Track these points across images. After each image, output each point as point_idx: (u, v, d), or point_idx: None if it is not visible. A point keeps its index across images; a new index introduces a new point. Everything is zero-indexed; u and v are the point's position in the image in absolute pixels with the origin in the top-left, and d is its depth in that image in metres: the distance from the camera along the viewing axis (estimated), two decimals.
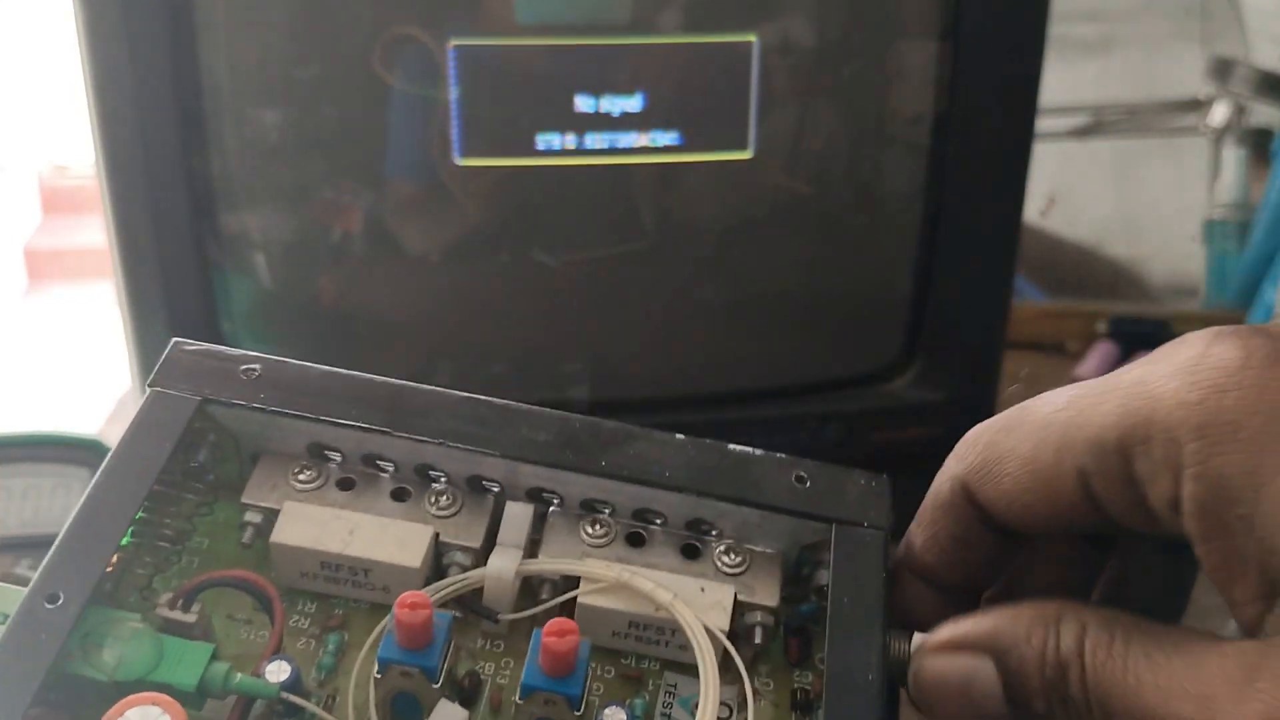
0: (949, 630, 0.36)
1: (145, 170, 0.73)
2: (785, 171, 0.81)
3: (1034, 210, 1.19)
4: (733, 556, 0.39)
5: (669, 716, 0.38)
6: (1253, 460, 0.30)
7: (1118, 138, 1.18)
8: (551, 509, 0.40)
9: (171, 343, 0.39)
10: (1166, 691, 0.32)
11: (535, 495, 0.40)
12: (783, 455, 0.39)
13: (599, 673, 0.38)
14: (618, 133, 0.77)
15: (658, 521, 0.40)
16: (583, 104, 0.77)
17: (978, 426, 0.37)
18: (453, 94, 0.76)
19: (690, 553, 0.40)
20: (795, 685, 0.39)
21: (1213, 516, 0.31)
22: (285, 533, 0.38)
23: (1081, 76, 1.05)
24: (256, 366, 0.39)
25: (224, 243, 0.78)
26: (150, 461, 0.37)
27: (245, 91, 0.77)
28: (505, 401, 0.39)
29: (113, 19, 0.70)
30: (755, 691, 0.38)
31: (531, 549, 0.39)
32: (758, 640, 0.38)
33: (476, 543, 0.39)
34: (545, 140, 0.78)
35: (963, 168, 0.79)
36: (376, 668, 0.35)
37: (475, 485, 0.40)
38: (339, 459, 0.40)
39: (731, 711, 0.38)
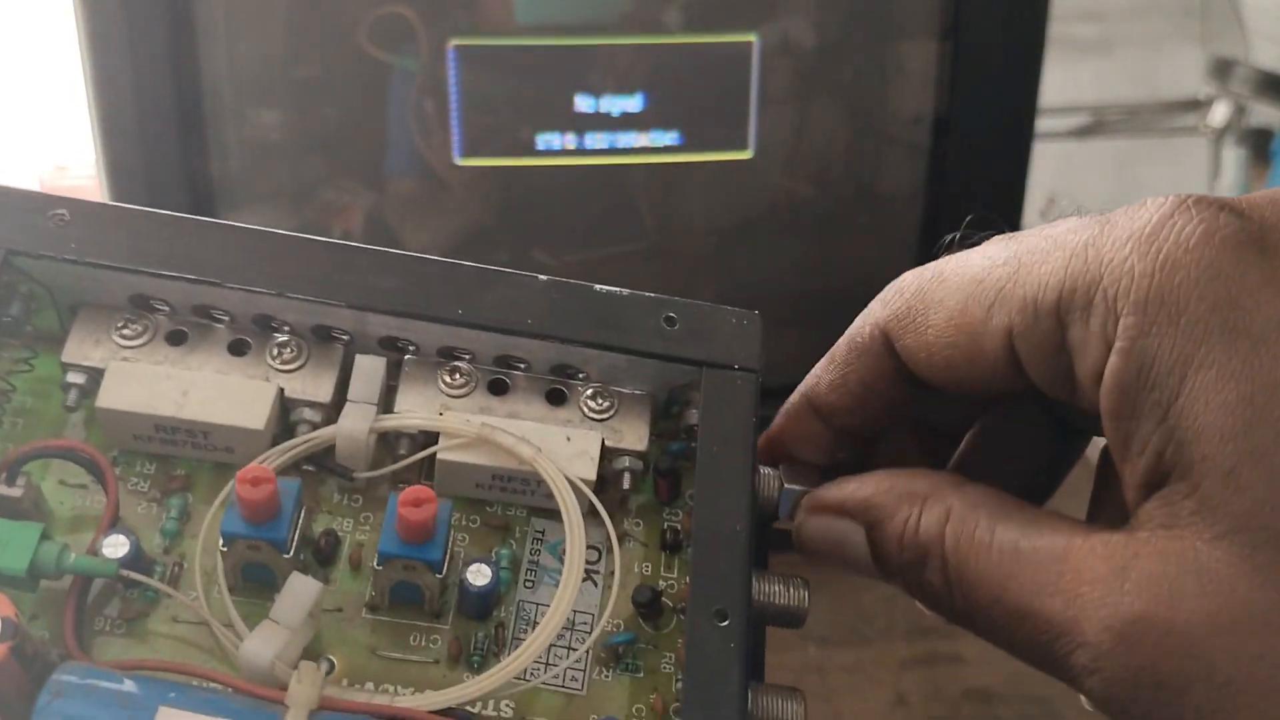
0: (830, 492, 0.36)
1: (145, 170, 0.73)
2: (785, 171, 0.81)
3: (1034, 210, 1.19)
4: (600, 401, 0.37)
5: (537, 564, 0.36)
6: (1186, 348, 0.28)
7: (1118, 138, 1.18)
8: (407, 357, 0.37)
9: None
10: (1033, 586, 0.30)
11: (388, 344, 0.37)
12: (652, 294, 0.37)
13: (463, 523, 0.36)
14: (618, 133, 0.77)
15: (521, 367, 0.37)
16: (583, 104, 0.77)
17: (909, 272, 0.35)
18: (453, 94, 0.76)
19: (556, 398, 0.37)
20: (665, 524, 0.37)
21: (1129, 395, 0.29)
22: (111, 396, 0.35)
23: (1081, 76, 1.05)
24: (65, 211, 0.35)
25: None
26: None
27: (245, 91, 0.77)
28: (349, 244, 0.37)
29: (113, 19, 0.70)
30: (623, 535, 0.36)
31: (387, 399, 0.37)
32: (626, 485, 0.37)
33: (326, 397, 0.36)
34: (545, 140, 0.78)
35: (963, 168, 0.79)
36: (222, 540, 0.33)
37: (322, 335, 0.37)
38: (167, 310, 0.37)
39: (600, 555, 0.36)
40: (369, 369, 0.36)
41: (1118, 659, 0.29)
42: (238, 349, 0.37)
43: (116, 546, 0.33)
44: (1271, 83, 1.06)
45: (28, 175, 0.96)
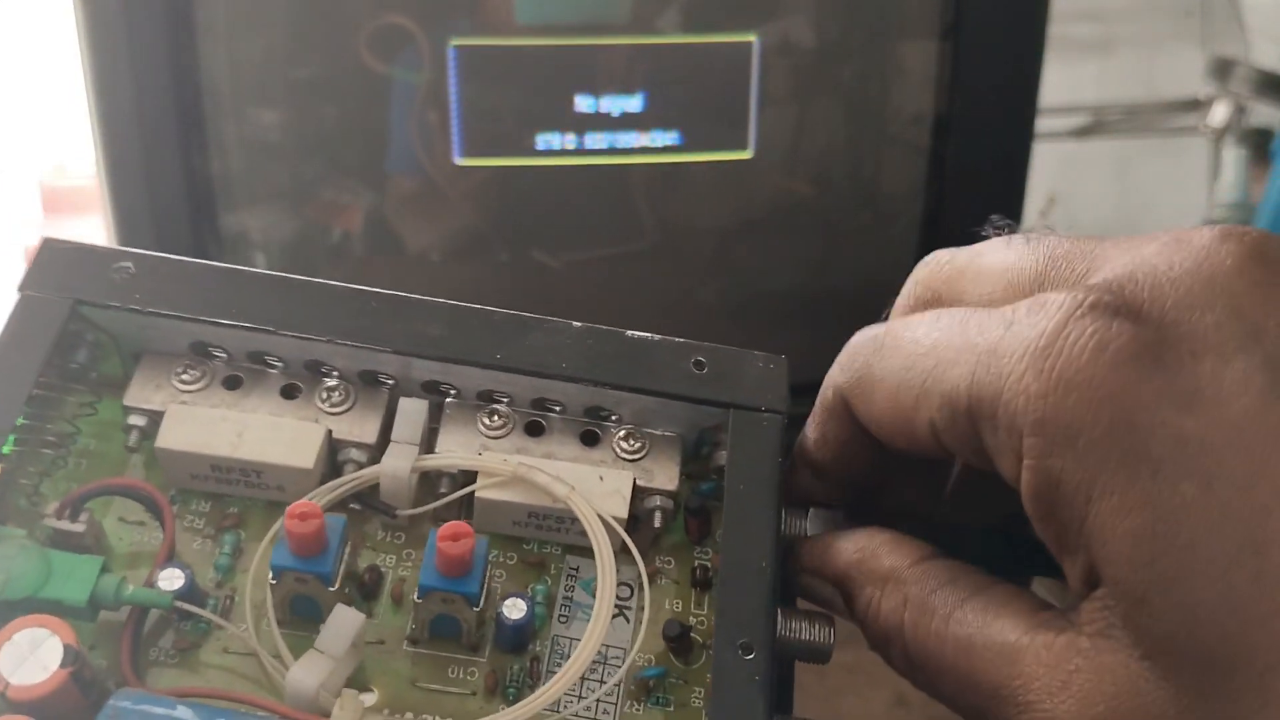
0: (812, 555, 0.37)
1: (145, 170, 0.73)
2: (785, 171, 0.81)
3: (1034, 210, 1.19)
4: (632, 442, 0.39)
5: (571, 599, 0.37)
6: (1086, 472, 0.28)
7: (1118, 138, 1.18)
8: (448, 400, 0.39)
9: (41, 240, 0.38)
10: (987, 687, 0.31)
11: (431, 388, 0.39)
12: (681, 340, 0.39)
13: (500, 559, 0.38)
14: (618, 133, 0.78)
15: (556, 410, 0.39)
16: (583, 104, 0.77)
17: (862, 334, 0.36)
18: (453, 94, 0.76)
19: (589, 439, 0.39)
20: (696, 563, 0.38)
21: (1045, 508, 0.30)
22: (170, 437, 0.37)
23: (1081, 76, 1.05)
24: (130, 265, 0.37)
25: (224, 243, 0.78)
26: (25, 366, 0.36)
27: (245, 91, 0.77)
28: (395, 293, 0.38)
29: (113, 19, 0.70)
30: (655, 572, 0.38)
31: (429, 440, 0.38)
32: (657, 524, 0.38)
33: (371, 439, 0.38)
34: (545, 140, 0.78)
35: (963, 168, 0.79)
36: (271, 574, 0.35)
37: (368, 379, 0.39)
38: (224, 357, 0.39)
39: (632, 592, 0.37)
40: (412, 411, 0.38)
41: None
42: (289, 393, 0.39)
43: (172, 580, 0.34)
44: (1271, 83, 1.06)
45: (28, 175, 0.96)
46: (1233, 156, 1.18)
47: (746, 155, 0.79)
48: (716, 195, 0.81)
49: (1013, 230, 0.36)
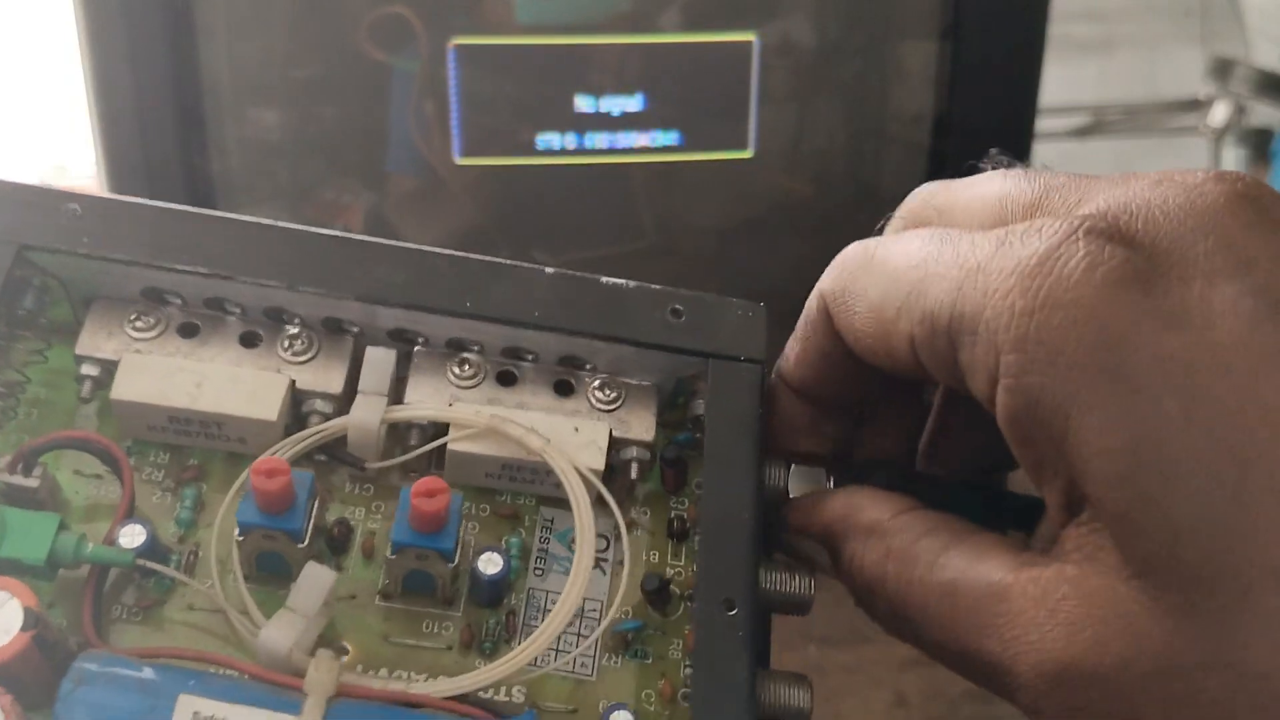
0: (797, 512, 0.37)
1: (145, 170, 0.73)
2: (785, 171, 0.81)
3: None
4: (607, 392, 0.38)
5: (546, 551, 0.37)
6: (1067, 390, 0.28)
7: (1118, 138, 1.18)
8: (416, 348, 0.38)
9: None
10: (972, 627, 0.31)
11: (398, 336, 0.37)
12: (658, 287, 0.38)
13: (473, 511, 0.37)
14: (618, 132, 0.77)
15: (529, 358, 0.38)
16: (583, 104, 0.77)
17: (852, 247, 0.36)
18: (452, 93, 0.76)
19: (564, 389, 0.38)
20: (672, 513, 0.38)
21: (1022, 429, 0.30)
22: (126, 388, 0.35)
23: (1081, 76, 1.05)
24: (77, 206, 0.36)
25: None
26: None
27: (245, 91, 0.77)
28: (359, 237, 0.37)
29: (113, 19, 0.70)
30: (631, 523, 0.37)
31: (397, 389, 0.37)
32: (633, 475, 0.37)
33: (337, 388, 0.37)
34: (545, 140, 0.78)
35: (963, 168, 0.79)
36: (237, 530, 0.34)
37: (332, 326, 0.37)
38: (179, 303, 0.37)
39: (609, 543, 0.37)
40: (379, 361, 0.37)
41: (1053, 702, 0.30)
42: (249, 341, 0.37)
43: (133, 536, 0.33)
44: (1271, 83, 1.06)
45: (28, 175, 0.96)
46: (1233, 156, 1.18)
47: (746, 155, 0.79)
48: (716, 195, 0.81)
49: (1010, 165, 0.36)
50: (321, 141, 0.79)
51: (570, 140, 0.77)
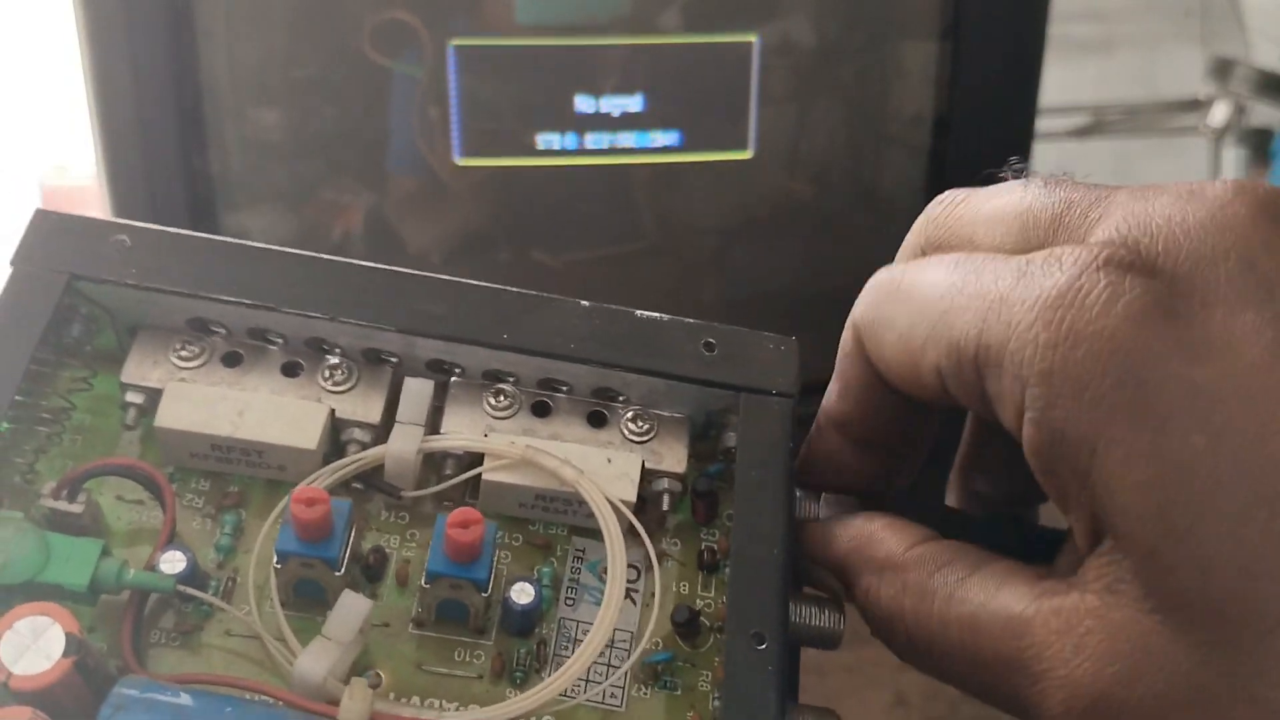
0: (813, 544, 0.37)
1: (145, 170, 0.73)
2: (785, 171, 0.81)
3: None
4: (640, 424, 0.38)
5: (578, 582, 0.37)
6: (1092, 426, 0.28)
7: (1118, 138, 1.18)
8: (453, 379, 0.38)
9: (34, 211, 0.37)
10: (996, 661, 0.31)
11: (435, 367, 0.38)
12: (691, 320, 0.38)
13: (506, 540, 0.37)
14: (618, 133, 0.77)
15: (563, 390, 0.38)
16: (583, 104, 0.77)
17: (881, 274, 0.36)
18: (453, 94, 0.76)
19: (597, 420, 0.38)
20: (703, 545, 0.38)
21: (1048, 460, 0.29)
22: (170, 416, 0.36)
23: (1081, 76, 1.05)
24: (126, 238, 0.36)
25: None
26: (19, 342, 0.35)
27: (245, 91, 0.77)
28: (399, 269, 0.38)
29: (113, 19, 0.70)
30: (661, 554, 0.37)
31: (433, 419, 0.38)
32: (665, 506, 0.38)
33: (375, 418, 0.37)
34: (545, 140, 0.78)
35: (963, 168, 0.79)
36: (275, 558, 0.34)
37: (371, 357, 0.38)
38: (223, 333, 0.38)
39: (639, 574, 0.37)
40: (417, 391, 0.37)
41: None
42: (291, 370, 0.38)
43: (174, 563, 0.34)
44: (1271, 83, 1.06)
45: (28, 175, 0.96)
46: (1233, 156, 1.18)
47: (746, 155, 0.79)
48: (716, 195, 0.81)
49: (1029, 173, 0.35)
50: (322, 142, 0.79)
51: (570, 141, 0.77)
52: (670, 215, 0.83)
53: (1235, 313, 0.28)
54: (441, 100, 0.76)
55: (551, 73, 0.77)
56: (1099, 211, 0.32)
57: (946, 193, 0.37)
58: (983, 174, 0.37)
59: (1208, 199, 0.30)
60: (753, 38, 0.76)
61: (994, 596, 0.32)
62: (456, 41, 0.74)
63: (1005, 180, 0.35)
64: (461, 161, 0.77)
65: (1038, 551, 0.36)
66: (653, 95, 0.77)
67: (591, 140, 0.77)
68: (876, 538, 0.35)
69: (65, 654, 0.30)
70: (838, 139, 0.81)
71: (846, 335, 0.37)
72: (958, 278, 0.32)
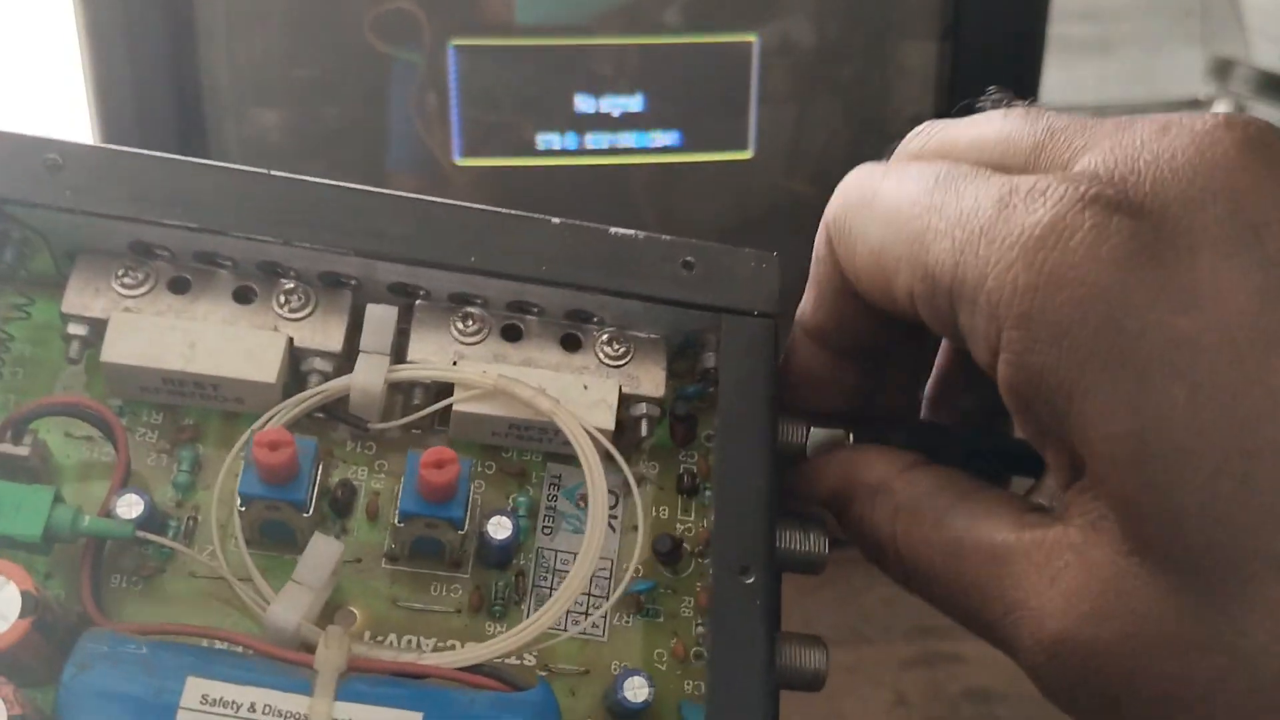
0: (802, 478, 0.36)
1: None
2: (785, 171, 0.81)
3: None
4: (615, 346, 0.37)
5: (554, 509, 0.36)
6: (1071, 371, 0.27)
7: None
8: (418, 302, 0.36)
9: None
10: (976, 588, 0.31)
11: (398, 291, 0.36)
12: (669, 237, 0.36)
13: (479, 469, 0.36)
14: (618, 133, 0.77)
15: (534, 311, 0.37)
16: (583, 104, 0.77)
17: (856, 175, 0.35)
18: (453, 94, 0.76)
19: (571, 344, 0.37)
20: (681, 468, 0.37)
21: (1024, 401, 0.29)
22: (116, 350, 0.34)
23: (1081, 76, 1.05)
24: (57, 156, 0.34)
25: None
26: None
27: (245, 92, 0.77)
28: (357, 187, 0.35)
29: (113, 19, 0.70)
30: (640, 478, 0.36)
31: (398, 344, 0.36)
32: (644, 432, 0.36)
33: (336, 347, 0.35)
34: (545, 140, 0.77)
35: (957, 107, 0.79)
36: (239, 501, 0.32)
37: (329, 281, 0.36)
38: (168, 255, 0.35)
39: (618, 500, 0.36)
40: (381, 318, 0.35)
41: (1052, 671, 0.30)
42: (243, 297, 0.36)
43: (131, 506, 0.32)
44: (1272, 83, 1.06)
45: None
46: None
47: (746, 155, 0.78)
48: (716, 195, 0.81)
49: (1010, 103, 0.34)
50: (322, 141, 0.78)
51: (570, 141, 0.77)
52: (670, 215, 0.83)
53: (1221, 259, 0.27)
54: (441, 100, 0.76)
55: (551, 72, 0.76)
56: (1082, 141, 0.31)
57: (924, 124, 0.36)
58: (960, 105, 0.36)
59: (1195, 134, 0.29)
60: (752, 38, 0.76)
61: (979, 524, 0.32)
62: (456, 41, 0.74)
63: (986, 109, 0.34)
64: (461, 161, 0.77)
65: (1018, 463, 0.36)
66: (653, 95, 0.77)
67: (591, 140, 0.77)
68: (867, 464, 0.35)
69: (23, 614, 0.29)
70: (838, 139, 0.81)
71: (820, 237, 0.36)
72: (937, 197, 0.31)
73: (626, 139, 0.78)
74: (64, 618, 0.31)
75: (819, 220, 0.36)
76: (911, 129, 0.37)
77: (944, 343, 0.39)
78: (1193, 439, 0.27)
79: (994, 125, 0.33)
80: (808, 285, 0.37)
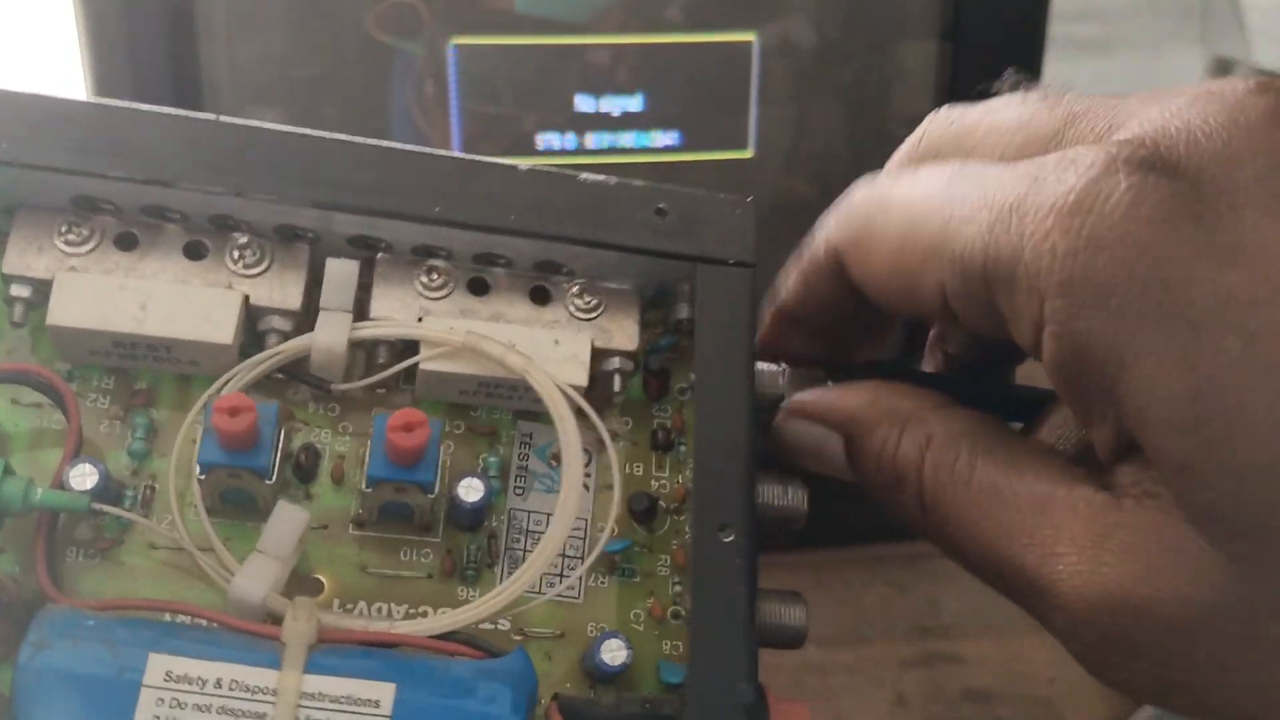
0: (811, 399, 0.35)
1: None
2: (786, 171, 0.81)
3: None
4: (586, 299, 0.35)
5: (526, 469, 0.35)
6: (1120, 334, 0.26)
7: None
8: (380, 256, 0.35)
9: None
10: (1009, 532, 0.30)
11: (359, 243, 0.34)
12: (641, 183, 0.35)
13: (447, 429, 0.35)
14: (618, 132, 0.77)
15: (501, 263, 0.35)
16: (583, 104, 0.77)
17: (862, 187, 0.33)
18: (452, 93, 0.76)
19: (540, 297, 0.35)
20: (655, 424, 0.36)
21: (1072, 376, 0.28)
22: (63, 313, 0.32)
23: (1081, 76, 1.05)
24: None
25: None
26: None
27: (246, 91, 0.77)
28: (312, 133, 0.33)
29: (113, 20, 0.70)
30: (613, 434, 0.35)
31: (360, 301, 0.34)
32: (616, 387, 0.35)
33: (295, 304, 0.33)
34: (545, 140, 0.77)
35: (974, 91, 0.79)
36: (199, 469, 0.31)
37: (285, 234, 0.34)
38: (113, 209, 0.33)
39: (590, 458, 0.35)
40: (342, 274, 0.34)
41: (1094, 628, 0.29)
42: (194, 252, 0.34)
43: (85, 477, 0.31)
44: None
45: None
46: None
47: (747, 155, 0.78)
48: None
49: (1028, 86, 0.33)
50: None
51: (570, 141, 0.77)
52: None
53: (1263, 215, 0.26)
54: (441, 99, 0.76)
55: (551, 72, 0.76)
56: (1107, 121, 0.30)
57: (941, 109, 0.34)
58: (977, 89, 0.34)
59: (1227, 100, 0.28)
60: (753, 37, 0.76)
61: (1021, 470, 0.30)
62: (456, 40, 0.74)
63: (1001, 94, 0.33)
64: None
65: (1019, 411, 0.35)
66: (653, 95, 0.77)
67: (591, 140, 0.77)
68: (899, 393, 0.34)
69: None
70: (838, 139, 0.81)
71: (818, 250, 0.34)
72: (957, 189, 0.30)
73: (626, 139, 0.78)
74: (18, 595, 0.30)
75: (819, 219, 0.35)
76: (912, 129, 0.36)
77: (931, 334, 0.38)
78: (1251, 393, 0.26)
79: (1012, 112, 0.32)
80: (794, 279, 0.36)
